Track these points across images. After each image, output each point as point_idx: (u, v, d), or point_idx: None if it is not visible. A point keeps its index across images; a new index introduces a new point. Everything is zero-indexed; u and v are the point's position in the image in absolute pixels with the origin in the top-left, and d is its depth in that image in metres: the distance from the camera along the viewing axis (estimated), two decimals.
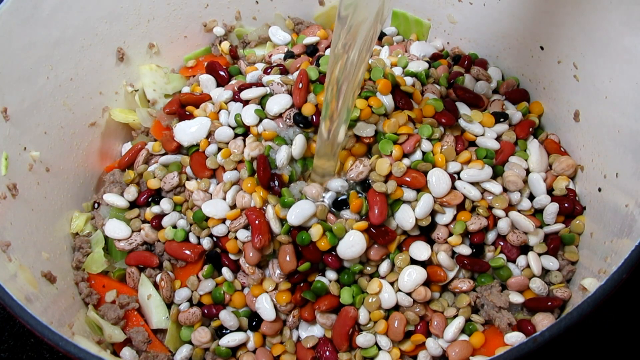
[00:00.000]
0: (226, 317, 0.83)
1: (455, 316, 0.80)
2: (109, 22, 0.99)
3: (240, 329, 0.84)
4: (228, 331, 0.83)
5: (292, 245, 0.81)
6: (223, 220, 0.85)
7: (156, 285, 0.86)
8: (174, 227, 0.88)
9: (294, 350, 0.83)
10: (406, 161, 0.83)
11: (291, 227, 0.80)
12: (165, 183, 0.91)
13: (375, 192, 0.80)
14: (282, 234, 0.81)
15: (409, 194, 0.82)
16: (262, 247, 0.80)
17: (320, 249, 0.79)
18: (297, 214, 0.79)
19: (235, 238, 0.83)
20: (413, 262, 0.81)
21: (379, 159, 0.82)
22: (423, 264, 0.81)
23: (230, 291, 0.84)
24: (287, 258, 0.80)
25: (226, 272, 0.85)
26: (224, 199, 0.86)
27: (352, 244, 0.79)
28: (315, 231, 0.79)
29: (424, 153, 0.84)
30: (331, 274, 0.82)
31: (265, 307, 0.81)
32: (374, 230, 0.80)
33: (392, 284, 0.81)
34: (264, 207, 0.83)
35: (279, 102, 0.87)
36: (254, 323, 0.83)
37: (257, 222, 0.80)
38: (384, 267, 0.81)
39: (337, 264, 0.80)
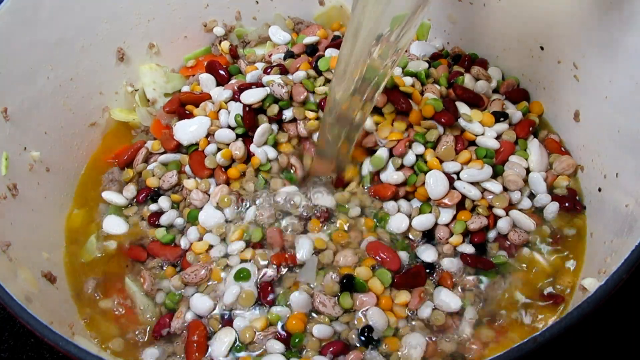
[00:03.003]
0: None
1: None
2: (109, 22, 0.98)
3: None
4: None
5: None
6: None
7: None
8: (172, 226, 0.89)
9: None
10: (396, 175, 0.84)
11: None
12: (164, 182, 0.91)
13: (370, 249, 0.81)
14: None
15: (400, 204, 0.84)
16: None
17: None
18: None
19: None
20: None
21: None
22: (431, 265, 0.82)
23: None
24: None
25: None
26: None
27: None
28: None
29: (418, 156, 0.85)
30: None
31: None
32: (408, 280, 0.78)
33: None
34: None
35: None
36: None
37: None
38: (427, 311, 0.77)
39: None
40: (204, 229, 0.87)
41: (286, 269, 0.81)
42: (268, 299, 0.78)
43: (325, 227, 0.85)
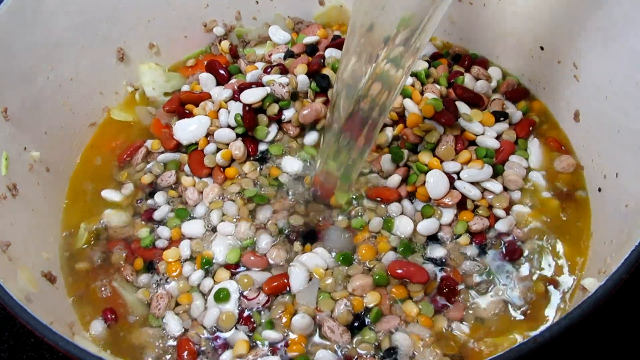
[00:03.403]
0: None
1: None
2: (109, 22, 0.98)
3: None
4: None
5: None
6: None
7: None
8: (165, 222, 0.88)
9: None
10: (396, 177, 0.85)
11: None
12: (162, 180, 0.91)
13: (394, 268, 0.79)
14: None
15: (404, 205, 0.84)
16: None
17: None
18: None
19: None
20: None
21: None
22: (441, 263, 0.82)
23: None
24: None
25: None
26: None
27: None
28: None
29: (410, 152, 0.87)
30: None
31: None
32: (449, 292, 0.77)
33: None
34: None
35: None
36: None
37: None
38: (464, 328, 0.77)
39: None
40: (179, 234, 0.85)
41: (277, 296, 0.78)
42: (249, 328, 0.76)
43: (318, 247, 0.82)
